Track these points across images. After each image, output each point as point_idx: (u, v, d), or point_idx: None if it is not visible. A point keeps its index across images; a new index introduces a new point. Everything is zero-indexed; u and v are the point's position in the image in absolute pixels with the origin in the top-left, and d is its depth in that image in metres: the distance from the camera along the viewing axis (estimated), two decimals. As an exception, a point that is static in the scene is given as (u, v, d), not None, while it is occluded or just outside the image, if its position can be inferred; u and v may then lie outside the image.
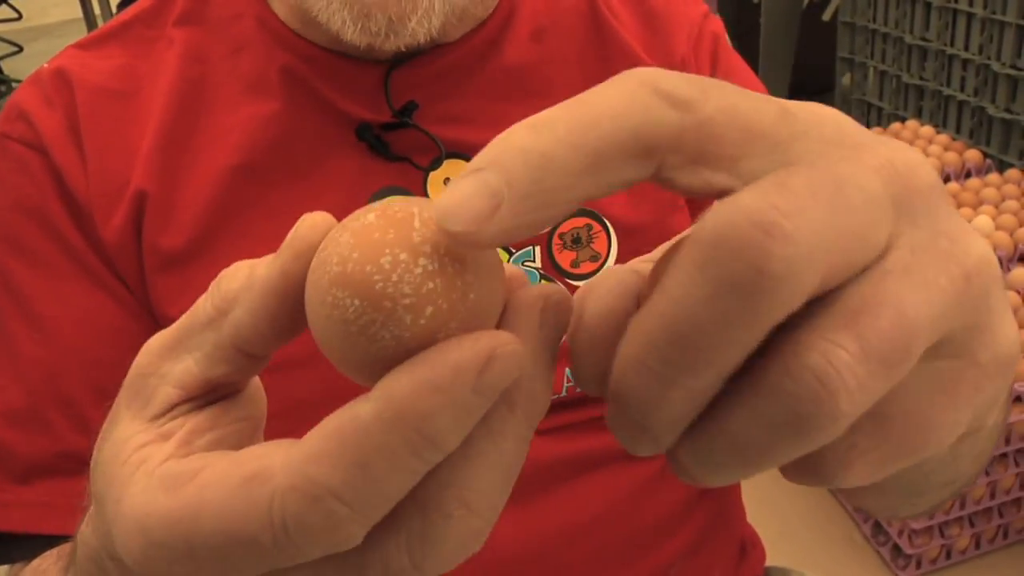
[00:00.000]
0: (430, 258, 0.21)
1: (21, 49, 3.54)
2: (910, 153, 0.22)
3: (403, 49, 0.54)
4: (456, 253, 0.21)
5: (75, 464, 0.55)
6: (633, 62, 0.63)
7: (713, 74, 0.66)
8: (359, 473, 0.20)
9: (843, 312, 0.19)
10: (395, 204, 0.22)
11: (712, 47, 0.67)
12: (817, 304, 0.20)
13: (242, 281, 0.25)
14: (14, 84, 3.37)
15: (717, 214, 0.19)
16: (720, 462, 0.21)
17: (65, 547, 0.53)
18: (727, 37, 0.69)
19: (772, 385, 0.19)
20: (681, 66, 0.64)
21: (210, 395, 0.26)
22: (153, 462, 0.24)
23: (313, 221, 0.24)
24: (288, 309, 0.24)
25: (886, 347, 0.19)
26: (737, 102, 0.21)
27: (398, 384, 0.20)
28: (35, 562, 0.53)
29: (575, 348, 0.23)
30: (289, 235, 0.25)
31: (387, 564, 0.22)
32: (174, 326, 0.27)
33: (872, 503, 0.48)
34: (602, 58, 0.63)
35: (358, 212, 0.22)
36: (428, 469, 0.21)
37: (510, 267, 0.24)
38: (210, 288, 0.26)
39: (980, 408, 0.22)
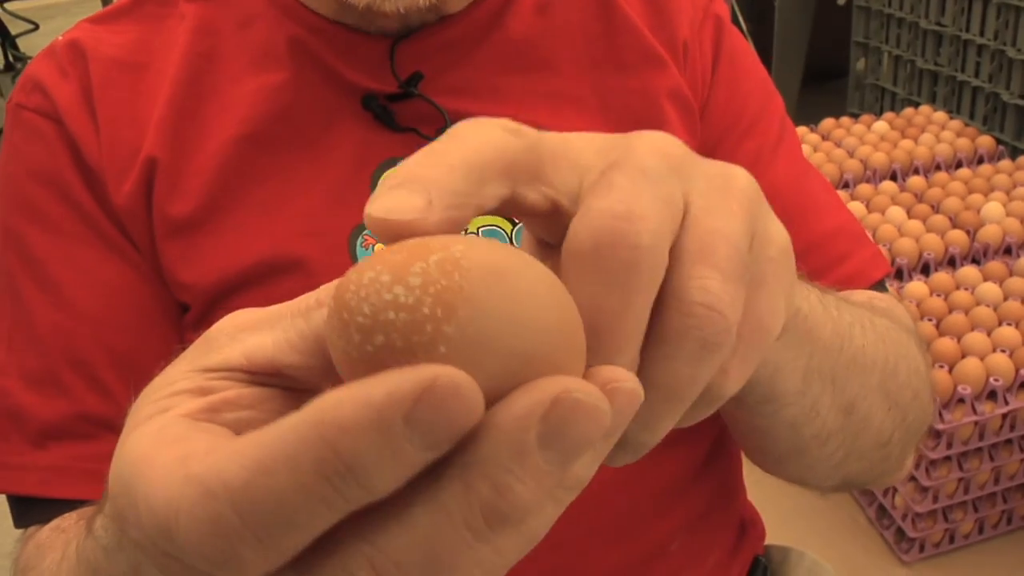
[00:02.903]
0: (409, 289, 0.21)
1: (37, 27, 3.56)
2: (658, 134, 0.27)
3: (402, 11, 0.55)
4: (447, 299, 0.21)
5: (92, 427, 0.56)
6: (637, 39, 0.64)
7: (716, 56, 0.66)
8: (263, 481, 0.19)
9: (692, 254, 0.25)
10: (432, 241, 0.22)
11: (715, 30, 0.67)
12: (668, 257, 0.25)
13: None
14: (30, 61, 3.38)
15: (584, 224, 0.24)
16: (660, 413, 0.25)
17: (86, 509, 0.54)
18: (731, 20, 0.69)
19: (676, 327, 0.24)
20: (684, 49, 0.65)
21: (270, 379, 0.25)
22: (174, 412, 0.24)
23: None
24: None
25: (733, 265, 0.25)
26: (569, 138, 0.27)
27: (328, 395, 0.19)
28: (54, 522, 0.54)
29: None
30: None
31: None
32: (275, 306, 0.26)
33: (781, 470, 0.55)
34: (607, 34, 0.64)
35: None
36: (344, 507, 0.19)
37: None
38: (323, 286, 0.26)
39: (787, 293, 0.28)
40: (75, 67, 0.59)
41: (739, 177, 0.28)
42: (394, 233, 0.23)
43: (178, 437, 0.22)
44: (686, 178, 0.26)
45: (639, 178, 0.25)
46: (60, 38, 0.61)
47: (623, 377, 0.22)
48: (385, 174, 0.24)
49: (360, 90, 0.59)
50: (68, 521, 0.53)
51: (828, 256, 0.64)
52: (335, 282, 0.24)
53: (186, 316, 0.59)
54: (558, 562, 0.59)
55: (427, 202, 0.23)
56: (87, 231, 0.58)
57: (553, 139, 0.27)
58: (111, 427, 0.56)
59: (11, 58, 3.43)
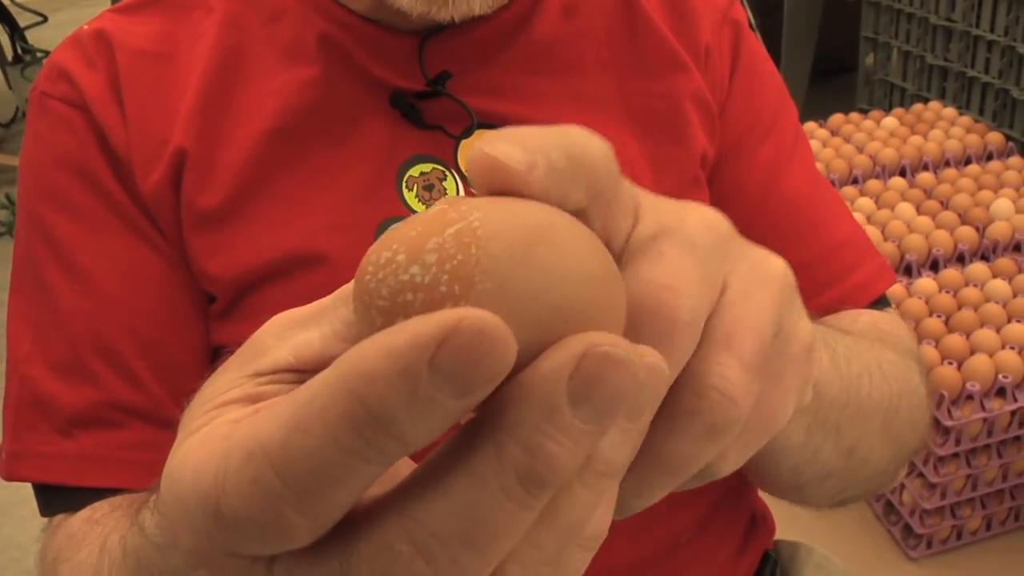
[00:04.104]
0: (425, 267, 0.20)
1: (46, 19, 3.56)
2: (706, 208, 0.28)
3: (454, 20, 0.56)
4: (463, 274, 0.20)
5: (121, 415, 0.56)
6: (661, 43, 0.64)
7: (734, 61, 0.67)
8: (298, 439, 0.19)
9: (719, 339, 0.25)
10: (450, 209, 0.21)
11: (734, 35, 0.67)
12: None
13: None
14: (39, 54, 3.38)
15: (630, 289, 0.24)
16: (655, 483, 0.25)
17: (118, 499, 0.55)
18: (749, 25, 0.70)
19: (689, 408, 0.25)
20: (705, 52, 0.65)
21: None
22: (220, 420, 0.23)
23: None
24: None
25: (755, 357, 0.25)
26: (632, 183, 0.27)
27: (356, 347, 0.19)
28: (84, 512, 0.54)
29: None
30: None
31: None
32: (317, 302, 0.26)
33: (778, 495, 0.56)
34: (631, 36, 0.64)
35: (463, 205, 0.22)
36: (381, 460, 0.19)
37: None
38: None
39: (801, 390, 0.29)
40: (102, 56, 0.60)
41: (777, 268, 0.28)
42: (498, 178, 0.22)
43: (223, 436, 0.22)
44: (730, 259, 0.27)
45: (688, 252, 0.25)
46: (85, 27, 0.62)
47: (645, 352, 0.22)
48: (490, 133, 0.24)
49: (388, 87, 0.60)
50: (100, 512, 0.53)
51: (837, 267, 0.65)
52: None
53: (212, 307, 0.59)
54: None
55: (534, 164, 0.22)
56: (115, 219, 0.58)
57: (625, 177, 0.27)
58: (140, 415, 0.57)
59: (19, 50, 3.43)
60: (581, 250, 0.22)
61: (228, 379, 0.25)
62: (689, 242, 0.25)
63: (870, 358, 0.51)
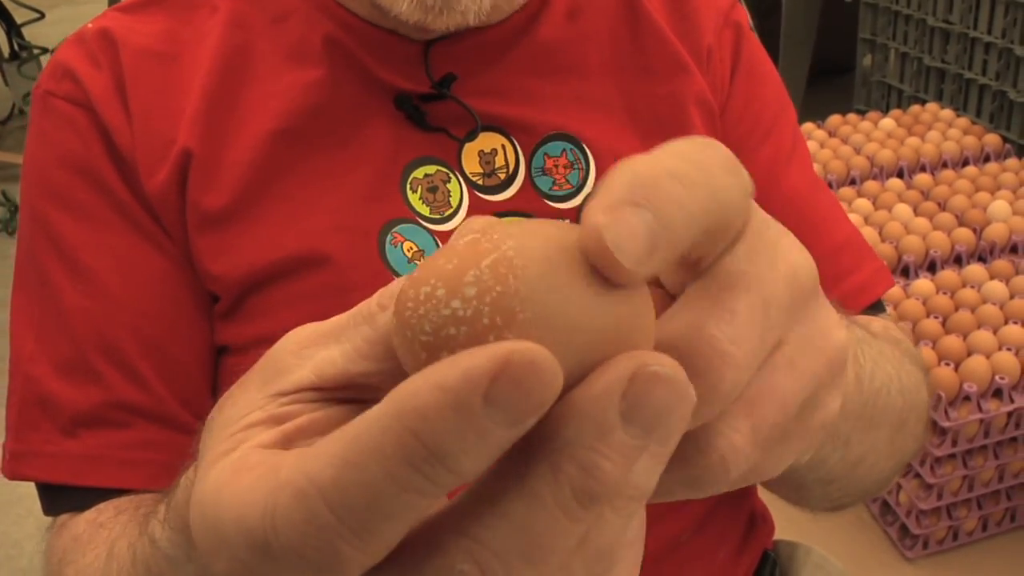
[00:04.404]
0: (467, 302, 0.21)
1: (43, 15, 3.55)
2: (802, 254, 0.26)
3: (449, 29, 0.56)
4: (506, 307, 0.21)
5: (125, 415, 0.56)
6: (664, 45, 0.64)
7: (735, 63, 0.67)
8: (352, 475, 0.19)
9: (745, 402, 0.24)
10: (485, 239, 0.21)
11: (735, 36, 0.68)
12: None
13: None
14: (36, 50, 3.37)
15: (689, 336, 0.23)
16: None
17: (123, 501, 0.55)
18: (750, 27, 0.70)
19: (686, 456, 0.24)
20: (707, 54, 0.65)
21: (343, 392, 0.25)
22: (249, 444, 0.23)
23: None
24: None
25: (771, 431, 0.25)
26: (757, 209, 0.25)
27: (406, 383, 0.19)
28: (88, 514, 0.54)
29: None
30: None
31: None
32: (334, 319, 0.26)
33: (777, 492, 0.56)
34: (634, 38, 0.65)
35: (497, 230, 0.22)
36: (436, 493, 0.19)
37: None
38: (381, 289, 0.26)
39: (801, 453, 0.28)
40: (107, 56, 0.60)
41: (834, 343, 0.27)
42: (604, 263, 0.21)
43: (258, 463, 0.22)
44: (796, 318, 0.26)
45: (758, 317, 0.24)
46: (89, 25, 0.62)
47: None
48: (630, 164, 0.22)
49: (393, 90, 0.60)
50: (106, 515, 0.53)
51: (835, 269, 0.66)
52: (395, 284, 0.24)
53: (216, 307, 0.59)
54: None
55: (650, 252, 0.21)
56: (120, 219, 0.58)
57: (756, 204, 0.25)
58: (144, 415, 0.57)
59: (16, 47, 3.42)
60: None
61: (250, 400, 0.25)
62: (765, 303, 0.24)
63: (892, 370, 0.51)
